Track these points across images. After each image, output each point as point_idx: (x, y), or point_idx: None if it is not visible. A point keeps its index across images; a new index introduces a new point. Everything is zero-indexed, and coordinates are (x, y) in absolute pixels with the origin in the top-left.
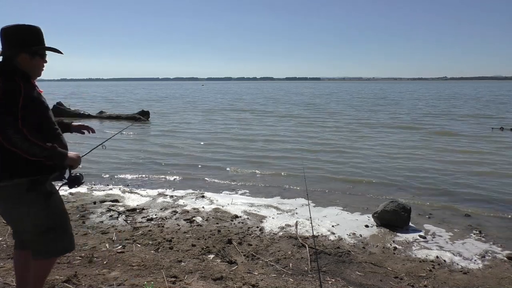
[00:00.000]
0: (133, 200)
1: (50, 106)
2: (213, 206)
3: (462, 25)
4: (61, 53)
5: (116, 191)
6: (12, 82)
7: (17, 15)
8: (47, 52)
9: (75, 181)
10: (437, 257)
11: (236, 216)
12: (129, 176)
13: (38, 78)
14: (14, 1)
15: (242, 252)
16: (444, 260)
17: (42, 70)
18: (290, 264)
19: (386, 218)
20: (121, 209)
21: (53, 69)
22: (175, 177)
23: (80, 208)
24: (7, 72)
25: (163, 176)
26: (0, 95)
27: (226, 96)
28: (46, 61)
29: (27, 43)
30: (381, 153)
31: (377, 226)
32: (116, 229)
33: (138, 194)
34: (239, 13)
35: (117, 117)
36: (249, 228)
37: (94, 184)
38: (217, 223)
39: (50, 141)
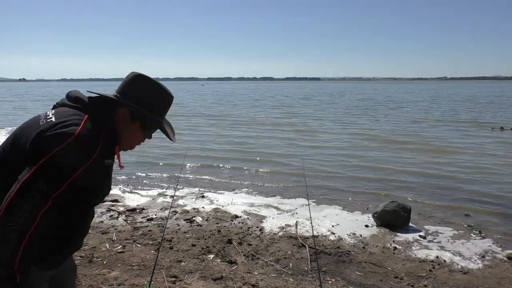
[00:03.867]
0: (133, 200)
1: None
2: (213, 206)
3: (462, 25)
4: (171, 140)
5: (116, 191)
6: (91, 137)
7: (17, 14)
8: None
9: None
10: (437, 257)
11: (236, 216)
12: (128, 176)
13: (38, 77)
14: (14, 0)
15: (242, 252)
16: (444, 260)
17: (136, 145)
18: (290, 264)
19: (386, 218)
20: (121, 209)
21: (53, 69)
22: (175, 177)
23: None
24: (96, 117)
25: (163, 176)
26: (68, 142)
27: (223, 97)
28: (149, 137)
29: (140, 100)
30: (382, 154)
31: (377, 226)
32: (116, 229)
33: (138, 194)
34: (239, 13)
35: None
36: (249, 228)
37: None
38: (217, 223)
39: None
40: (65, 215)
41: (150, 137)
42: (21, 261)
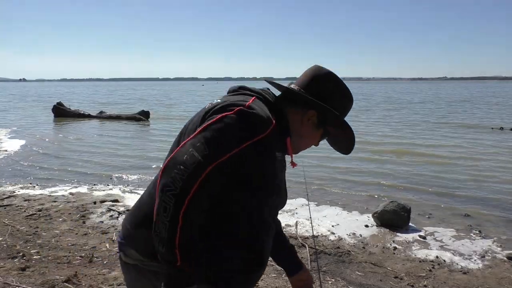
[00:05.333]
0: (133, 200)
1: (50, 106)
2: None
3: (462, 25)
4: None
5: (116, 191)
6: (262, 113)
7: (16, 13)
8: None
9: None
10: (437, 257)
11: None
12: (129, 176)
13: (38, 77)
14: (14, 0)
15: None
16: (444, 260)
17: (302, 149)
18: None
19: (386, 218)
20: (121, 209)
21: (53, 69)
22: None
23: (80, 208)
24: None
25: None
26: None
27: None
28: (316, 144)
29: (330, 102)
30: (381, 154)
31: (377, 226)
32: (116, 229)
33: (138, 194)
34: (240, 13)
35: (117, 117)
36: None
37: (94, 184)
38: None
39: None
40: (239, 210)
41: (317, 144)
42: (181, 239)
